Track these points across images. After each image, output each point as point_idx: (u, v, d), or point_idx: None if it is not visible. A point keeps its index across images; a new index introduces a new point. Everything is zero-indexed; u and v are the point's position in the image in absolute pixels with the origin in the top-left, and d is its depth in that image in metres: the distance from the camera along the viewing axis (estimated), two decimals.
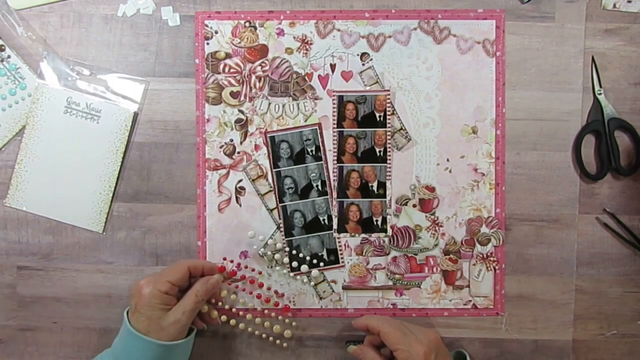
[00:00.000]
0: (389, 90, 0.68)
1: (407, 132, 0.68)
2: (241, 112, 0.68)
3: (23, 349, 0.69)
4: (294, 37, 0.68)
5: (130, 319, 0.59)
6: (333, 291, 0.69)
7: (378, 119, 0.68)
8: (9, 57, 0.67)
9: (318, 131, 0.68)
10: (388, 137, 0.68)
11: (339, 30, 0.68)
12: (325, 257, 0.68)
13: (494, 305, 0.69)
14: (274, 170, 0.68)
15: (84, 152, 0.67)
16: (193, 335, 0.63)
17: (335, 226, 0.68)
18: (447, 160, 0.68)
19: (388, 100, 0.68)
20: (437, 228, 0.69)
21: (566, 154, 0.68)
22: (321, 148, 0.68)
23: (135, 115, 0.68)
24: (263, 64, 0.68)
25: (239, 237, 0.68)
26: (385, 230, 0.68)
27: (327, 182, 0.68)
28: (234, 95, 0.68)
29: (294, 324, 0.68)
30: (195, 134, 0.68)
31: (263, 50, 0.68)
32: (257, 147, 0.68)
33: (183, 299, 0.60)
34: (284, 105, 0.68)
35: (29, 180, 0.68)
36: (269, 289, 0.68)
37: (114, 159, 0.68)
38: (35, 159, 0.67)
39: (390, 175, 0.68)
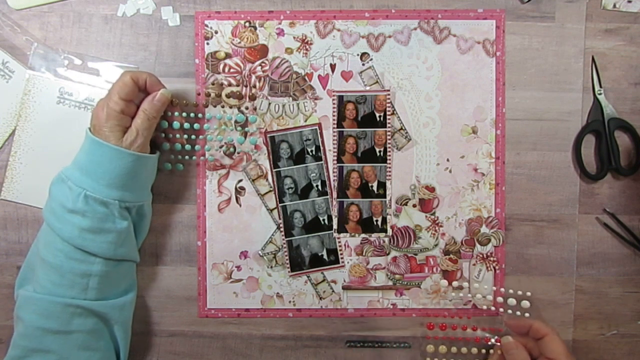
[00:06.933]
0: (389, 90, 0.68)
1: (407, 132, 0.68)
2: (241, 112, 0.68)
3: None
4: (294, 37, 0.68)
5: (95, 135, 0.59)
6: (333, 291, 0.69)
7: (378, 119, 0.68)
8: None
9: (318, 131, 0.68)
10: (388, 137, 0.68)
11: (339, 30, 0.68)
12: (325, 257, 0.68)
13: (494, 305, 0.68)
14: (274, 170, 0.68)
15: (80, 143, 0.66)
16: (157, 155, 0.64)
17: (335, 226, 0.68)
18: (447, 160, 0.68)
19: (388, 100, 0.68)
20: (437, 228, 0.69)
21: (566, 154, 0.68)
22: (321, 148, 0.68)
23: None
24: (263, 64, 0.68)
25: (239, 237, 0.68)
26: (385, 230, 0.68)
27: (327, 182, 0.68)
28: (234, 95, 0.68)
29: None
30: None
31: (263, 50, 0.68)
32: (257, 147, 0.68)
33: (134, 120, 0.61)
34: (284, 105, 0.68)
35: (24, 172, 0.67)
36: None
37: None
38: (30, 150, 0.67)
39: (390, 175, 0.68)
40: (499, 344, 0.65)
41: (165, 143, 0.66)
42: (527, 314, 0.67)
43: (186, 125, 0.66)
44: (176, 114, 0.65)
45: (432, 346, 0.68)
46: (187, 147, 0.67)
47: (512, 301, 0.67)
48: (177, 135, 0.66)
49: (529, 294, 0.68)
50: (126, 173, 0.59)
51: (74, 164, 0.60)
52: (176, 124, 0.65)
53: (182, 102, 0.66)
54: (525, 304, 0.67)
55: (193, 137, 0.67)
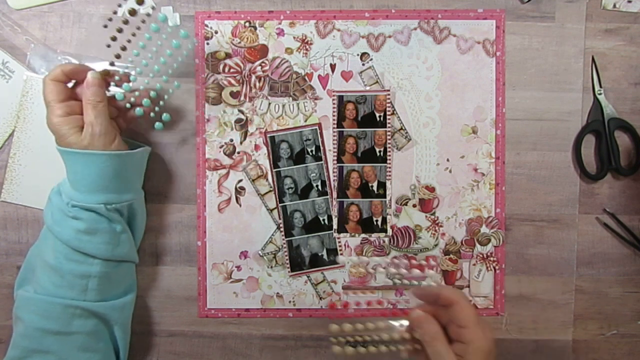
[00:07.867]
0: (389, 90, 0.68)
1: (407, 132, 0.68)
2: (241, 112, 0.68)
3: None
4: (294, 37, 0.68)
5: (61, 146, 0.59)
6: (333, 291, 0.69)
7: (378, 119, 0.68)
8: None
9: (318, 131, 0.68)
10: (388, 137, 0.68)
11: (339, 30, 0.68)
12: (325, 257, 0.68)
13: (494, 305, 0.69)
14: (274, 170, 0.68)
15: None
16: (142, 150, 0.63)
17: (335, 226, 0.68)
18: (447, 160, 0.68)
19: (388, 100, 0.68)
20: (437, 228, 0.69)
21: (566, 154, 0.68)
22: (321, 148, 0.68)
23: None
24: (263, 64, 0.68)
25: (239, 237, 0.68)
26: (385, 230, 0.68)
27: (327, 182, 0.68)
28: (234, 95, 0.68)
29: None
30: (195, 134, 0.68)
31: (263, 50, 0.68)
32: (257, 147, 0.68)
33: (84, 115, 0.59)
34: (284, 105, 0.68)
35: (24, 173, 0.67)
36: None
37: None
38: (29, 152, 0.67)
39: (390, 175, 0.68)
40: (407, 324, 0.58)
41: (132, 110, 0.63)
42: (432, 283, 0.61)
43: (125, 86, 0.62)
44: (112, 85, 0.63)
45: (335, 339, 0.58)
46: (146, 102, 0.63)
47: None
48: (132, 99, 0.63)
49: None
50: (104, 174, 0.58)
51: (62, 181, 0.61)
52: (120, 96, 0.62)
53: (108, 71, 0.62)
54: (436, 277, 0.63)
55: (140, 88, 0.63)
